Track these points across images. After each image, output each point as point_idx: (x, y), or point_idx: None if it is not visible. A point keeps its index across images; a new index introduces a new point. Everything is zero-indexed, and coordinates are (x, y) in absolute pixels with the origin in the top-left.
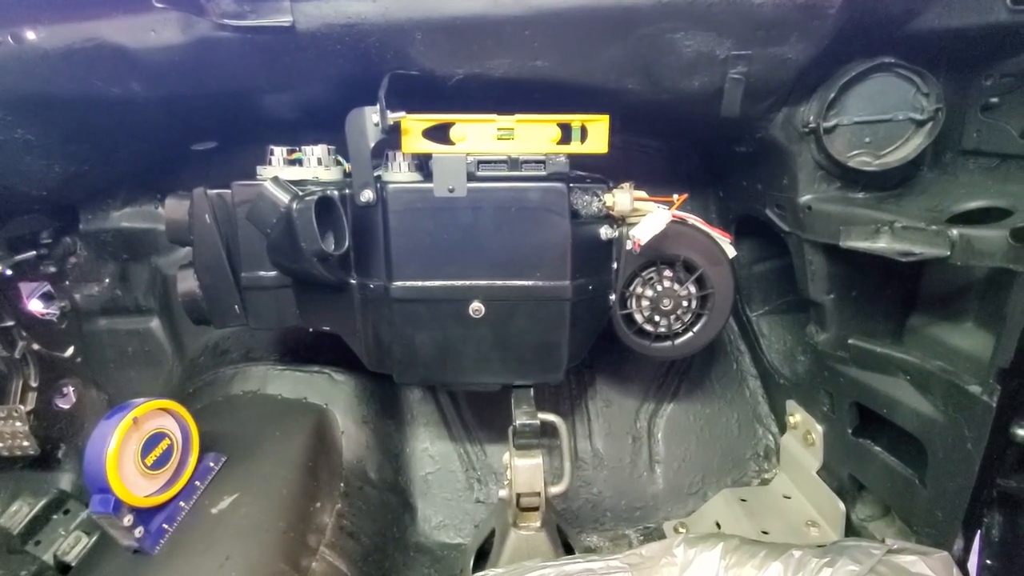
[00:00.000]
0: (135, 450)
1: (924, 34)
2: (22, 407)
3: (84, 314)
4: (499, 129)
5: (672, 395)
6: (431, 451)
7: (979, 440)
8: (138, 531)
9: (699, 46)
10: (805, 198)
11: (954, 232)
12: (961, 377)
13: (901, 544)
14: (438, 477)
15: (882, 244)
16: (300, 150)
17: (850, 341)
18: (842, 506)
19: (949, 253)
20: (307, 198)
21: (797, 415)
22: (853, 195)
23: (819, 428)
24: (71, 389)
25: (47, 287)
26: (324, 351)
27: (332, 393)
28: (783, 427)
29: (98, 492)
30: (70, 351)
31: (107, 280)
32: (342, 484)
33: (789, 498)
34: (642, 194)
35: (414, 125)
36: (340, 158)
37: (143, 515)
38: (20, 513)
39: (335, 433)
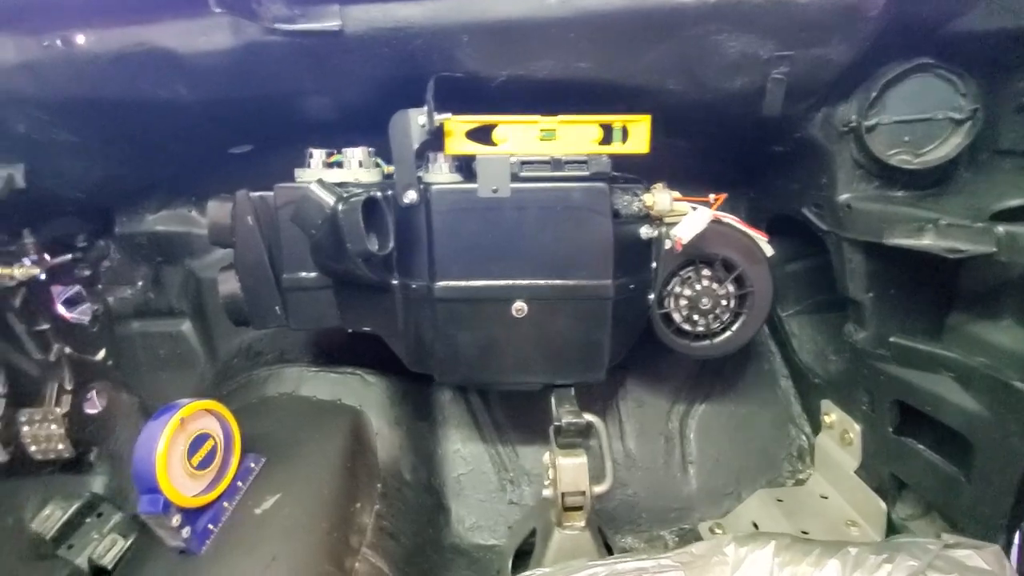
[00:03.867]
0: (182, 450)
1: (962, 36)
2: (57, 410)
3: (116, 317)
4: (542, 130)
5: (704, 396)
6: (463, 452)
7: None
8: (185, 531)
9: (743, 47)
10: (844, 197)
11: (1000, 229)
12: (1005, 373)
13: (955, 539)
14: (471, 478)
15: (927, 241)
16: (340, 152)
17: (891, 339)
18: (883, 505)
19: (995, 249)
20: (352, 199)
21: (833, 414)
22: (892, 193)
23: (857, 427)
24: (102, 392)
25: (78, 290)
26: (356, 353)
27: (365, 395)
28: (816, 427)
29: (147, 492)
30: (101, 354)
31: (140, 283)
32: (380, 485)
33: (826, 498)
34: (676, 194)
35: (458, 126)
36: (379, 160)
37: (189, 515)
38: (52, 517)
39: (370, 434)
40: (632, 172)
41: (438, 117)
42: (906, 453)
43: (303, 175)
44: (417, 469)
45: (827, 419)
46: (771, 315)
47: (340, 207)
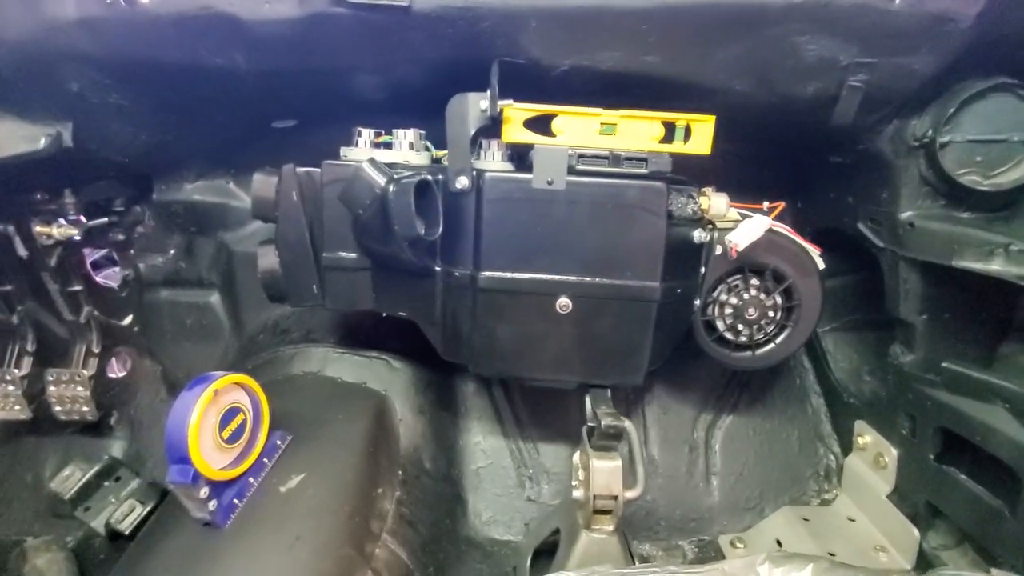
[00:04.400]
0: (214, 423)
1: None
2: (84, 372)
3: (146, 284)
4: (602, 124)
5: (732, 407)
6: (483, 445)
7: None
8: (212, 504)
9: (822, 51)
10: (907, 214)
11: None
12: None
13: (1003, 573)
14: (489, 472)
15: (996, 267)
16: (390, 133)
17: (944, 364)
18: (916, 532)
19: None
20: (404, 181)
21: (867, 436)
22: (958, 214)
23: (894, 451)
24: (127, 358)
25: (110, 254)
26: (383, 337)
27: (391, 380)
28: (846, 447)
29: (177, 462)
30: (128, 319)
31: (172, 251)
32: (400, 472)
33: (854, 520)
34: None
35: (517, 114)
36: (428, 144)
37: (216, 488)
38: (73, 478)
39: (393, 420)
40: (678, 174)
41: (501, 102)
42: (946, 482)
43: (350, 153)
44: (437, 459)
45: (860, 440)
46: None
47: (391, 188)
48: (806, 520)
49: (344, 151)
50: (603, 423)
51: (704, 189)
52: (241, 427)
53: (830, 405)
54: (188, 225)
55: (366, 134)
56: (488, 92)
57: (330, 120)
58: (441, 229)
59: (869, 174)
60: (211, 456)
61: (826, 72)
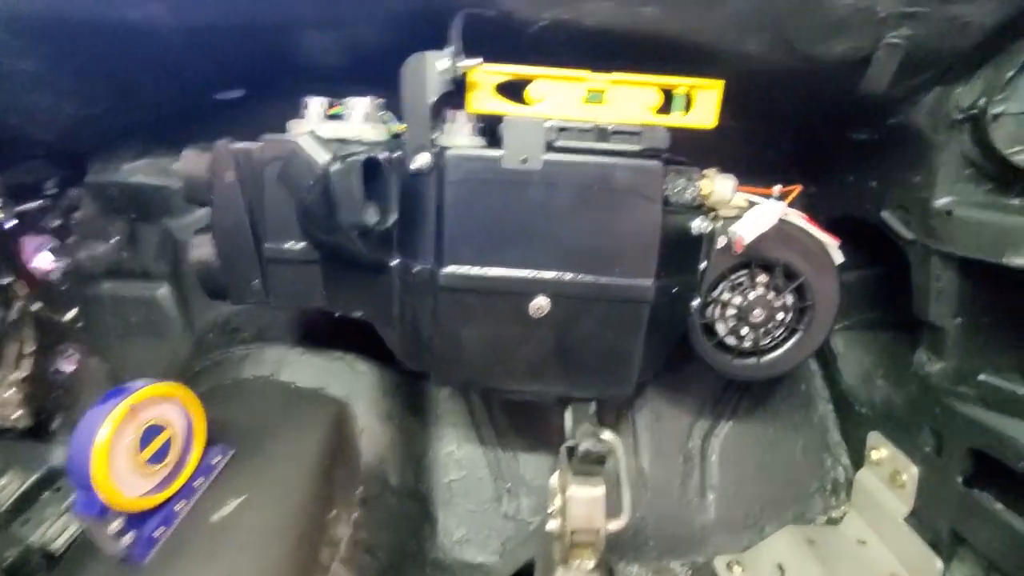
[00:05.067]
0: (131, 442)
1: None
2: (17, 373)
3: (87, 276)
4: (588, 90)
5: (731, 413)
6: (457, 455)
7: None
8: (128, 537)
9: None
10: (944, 200)
11: None
12: None
13: None
14: (463, 485)
15: None
16: (341, 103)
17: (981, 377)
18: (939, 563)
19: None
20: (350, 159)
21: (882, 450)
22: (1008, 201)
23: (914, 470)
24: (70, 356)
25: (47, 242)
26: (347, 335)
27: (354, 384)
28: (857, 460)
29: (82, 490)
30: (71, 314)
31: (114, 240)
32: (360, 489)
33: (865, 543)
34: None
35: (485, 78)
36: (389, 116)
37: (135, 518)
38: (9, 488)
39: (354, 430)
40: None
41: (466, 62)
42: (975, 508)
43: (297, 127)
44: (404, 472)
45: (874, 454)
46: None
47: (334, 167)
48: (811, 542)
49: (291, 124)
50: (582, 447)
51: (706, 171)
52: (167, 445)
53: (839, 413)
54: (128, 210)
55: (315, 103)
56: (449, 50)
57: (287, 90)
58: (396, 216)
59: (899, 153)
60: (127, 482)
61: (859, 27)
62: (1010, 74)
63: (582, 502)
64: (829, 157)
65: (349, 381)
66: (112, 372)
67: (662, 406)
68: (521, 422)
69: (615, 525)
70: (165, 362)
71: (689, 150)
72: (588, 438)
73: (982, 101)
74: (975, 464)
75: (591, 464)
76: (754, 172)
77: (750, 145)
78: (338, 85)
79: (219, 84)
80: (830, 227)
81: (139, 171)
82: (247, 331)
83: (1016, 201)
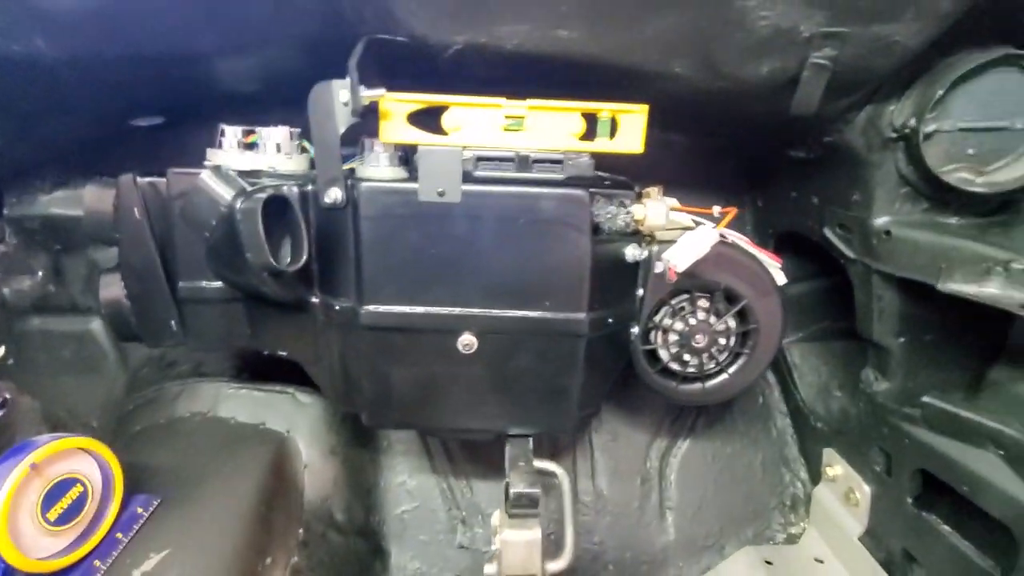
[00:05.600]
0: (34, 502)
1: None
2: None
3: (14, 312)
4: (507, 117)
5: (688, 430)
6: (409, 485)
7: None
8: None
9: (779, 19)
10: (882, 220)
11: None
12: None
13: None
14: (416, 516)
15: (993, 290)
16: (256, 132)
17: (925, 399)
18: None
19: None
20: (256, 195)
21: (837, 467)
22: (944, 220)
23: (867, 488)
24: (4, 394)
25: None
26: (290, 366)
27: (295, 417)
28: (815, 475)
29: None
30: (0, 351)
31: (40, 273)
32: (301, 531)
33: (822, 562)
34: (673, 202)
35: (396, 107)
36: (307, 144)
37: None
38: None
39: (296, 467)
40: (619, 173)
41: (369, 93)
42: (926, 531)
43: (214, 156)
44: (352, 508)
45: (829, 471)
46: None
47: (239, 205)
48: (769, 563)
49: (210, 154)
50: (513, 490)
51: (649, 189)
52: (80, 500)
53: (797, 427)
54: (50, 243)
55: (231, 132)
56: (347, 80)
57: (210, 115)
58: (306, 256)
59: (837, 172)
60: (32, 545)
61: (784, 47)
62: (940, 92)
63: (517, 546)
64: (774, 173)
65: (291, 414)
66: (45, 411)
67: (619, 427)
68: (475, 449)
69: (556, 565)
70: (101, 399)
71: (643, 168)
72: (522, 479)
73: (913, 120)
74: (924, 485)
75: (526, 507)
76: (708, 186)
77: (702, 160)
78: (264, 109)
79: (136, 111)
80: (781, 241)
81: (56, 203)
82: (184, 365)
83: (953, 220)
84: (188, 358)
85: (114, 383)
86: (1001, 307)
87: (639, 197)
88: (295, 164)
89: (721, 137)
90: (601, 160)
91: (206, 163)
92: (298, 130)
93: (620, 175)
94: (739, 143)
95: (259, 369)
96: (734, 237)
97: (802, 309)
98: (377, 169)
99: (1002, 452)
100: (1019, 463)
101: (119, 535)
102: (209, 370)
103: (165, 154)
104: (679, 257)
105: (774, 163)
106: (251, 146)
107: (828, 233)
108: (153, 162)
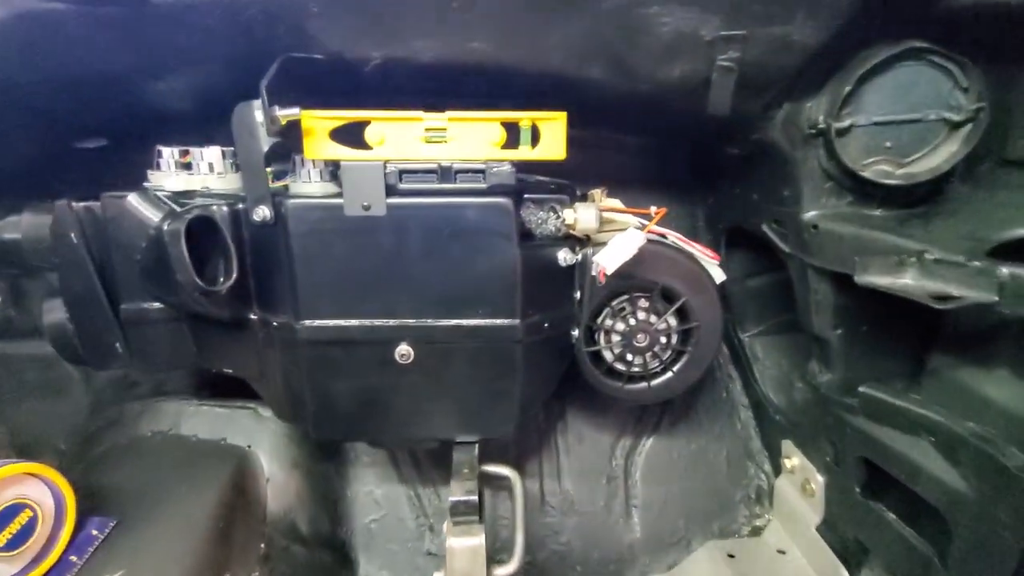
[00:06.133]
0: None
1: (968, 11)
2: None
3: None
4: (427, 130)
5: (653, 428)
6: (376, 494)
7: (1020, 527)
8: None
9: (679, 24)
10: (810, 215)
11: (1004, 271)
12: (999, 447)
13: None
14: (384, 525)
15: (908, 281)
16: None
17: (861, 389)
18: (845, 573)
19: (998, 298)
20: (183, 216)
21: (795, 459)
22: (868, 212)
23: (820, 479)
24: None
25: None
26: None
27: (257, 433)
28: (776, 467)
29: None
30: None
31: None
32: (263, 545)
33: (784, 553)
34: (616, 203)
35: (317, 124)
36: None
37: None
38: None
39: (257, 481)
40: (569, 175)
41: (285, 112)
42: (873, 519)
43: (153, 177)
44: (317, 519)
45: (788, 463)
46: (732, 337)
47: (166, 227)
48: (732, 557)
49: (151, 175)
50: (451, 498)
51: (593, 192)
52: (30, 525)
53: (758, 420)
54: (5, 267)
55: (168, 154)
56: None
57: (155, 138)
58: (236, 275)
59: (768, 168)
60: None
61: (689, 51)
62: (848, 88)
63: (461, 553)
64: (721, 171)
65: (252, 430)
66: (10, 435)
67: (584, 428)
68: (442, 456)
69: (503, 571)
70: (68, 421)
71: (593, 170)
72: (461, 487)
73: (826, 117)
74: (870, 474)
75: (466, 514)
76: (660, 186)
77: (653, 160)
78: (206, 129)
79: (78, 134)
80: (730, 235)
81: (9, 227)
82: (146, 384)
83: (877, 212)
84: (150, 377)
85: (80, 405)
86: (914, 298)
87: (583, 199)
88: (228, 183)
89: (666, 136)
90: (552, 165)
91: (146, 184)
92: (231, 149)
93: (566, 178)
94: (684, 141)
95: (222, 386)
96: (673, 236)
97: (762, 303)
98: (308, 185)
99: (933, 439)
100: (949, 450)
101: (73, 558)
102: (171, 388)
103: (112, 176)
104: (608, 259)
105: (720, 161)
106: (187, 166)
107: (766, 229)
108: (99, 184)
